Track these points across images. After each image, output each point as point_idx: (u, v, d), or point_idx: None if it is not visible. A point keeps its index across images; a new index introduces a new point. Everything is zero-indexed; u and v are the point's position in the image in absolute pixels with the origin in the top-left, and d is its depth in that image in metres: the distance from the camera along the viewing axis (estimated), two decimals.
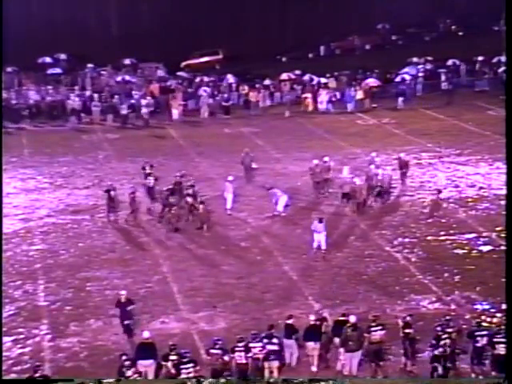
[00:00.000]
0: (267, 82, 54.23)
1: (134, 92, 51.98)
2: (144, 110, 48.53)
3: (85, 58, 58.78)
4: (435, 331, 20.38)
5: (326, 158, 34.63)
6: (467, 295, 24.76)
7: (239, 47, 62.80)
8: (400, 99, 50.57)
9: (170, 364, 19.68)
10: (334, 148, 40.86)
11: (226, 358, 19.88)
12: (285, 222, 31.29)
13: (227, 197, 32.18)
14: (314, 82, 53.84)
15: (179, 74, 59.09)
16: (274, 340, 20.44)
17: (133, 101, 50.04)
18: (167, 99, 50.87)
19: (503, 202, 31.45)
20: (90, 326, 23.61)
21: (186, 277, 26.62)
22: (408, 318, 21.04)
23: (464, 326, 21.60)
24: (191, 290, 25.62)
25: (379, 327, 20.63)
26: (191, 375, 19.16)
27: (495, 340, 19.95)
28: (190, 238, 30.04)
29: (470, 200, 33.24)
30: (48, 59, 62.11)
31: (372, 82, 53.54)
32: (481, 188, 34.66)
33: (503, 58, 52.52)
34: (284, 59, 66.08)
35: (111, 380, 19.24)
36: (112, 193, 31.81)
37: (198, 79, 56.18)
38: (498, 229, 29.45)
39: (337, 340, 20.93)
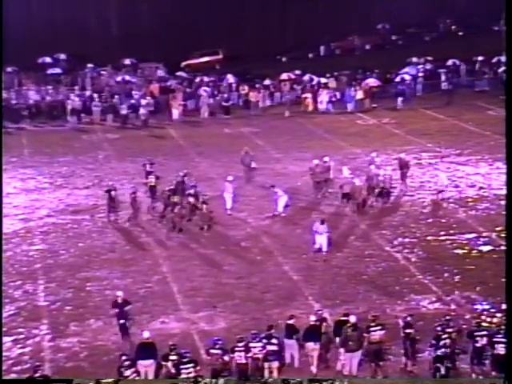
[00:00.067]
0: (267, 82, 54.24)
1: (133, 92, 52.00)
2: (142, 111, 48.55)
3: (85, 58, 58.78)
4: (435, 331, 20.38)
5: (326, 158, 34.62)
6: (467, 295, 24.76)
7: (239, 47, 62.81)
8: (399, 99, 50.57)
9: (170, 364, 19.67)
10: (334, 148, 40.85)
11: (226, 357, 19.88)
12: (285, 222, 31.28)
13: (227, 197, 32.18)
14: (314, 82, 53.85)
15: (179, 74, 59.07)
16: (273, 340, 20.42)
17: (133, 101, 50.06)
18: (167, 99, 50.88)
19: (503, 202, 31.44)
20: (90, 325, 23.62)
21: (186, 277, 26.62)
22: (408, 319, 21.03)
23: (464, 326, 21.60)
24: (191, 290, 25.62)
25: (379, 327, 20.63)
26: (191, 375, 19.16)
27: (495, 340, 19.95)
28: (190, 238, 30.05)
29: (470, 200, 33.24)
30: (48, 59, 62.12)
31: (372, 81, 53.55)
32: (481, 188, 34.66)
33: (503, 58, 52.50)
34: (284, 59, 66.09)
35: (110, 380, 19.23)
36: (113, 193, 31.82)
37: (197, 79, 56.18)
38: (497, 229, 29.45)
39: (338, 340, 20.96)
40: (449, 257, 27.70)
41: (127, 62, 61.07)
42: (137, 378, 19.51)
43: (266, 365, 20.33)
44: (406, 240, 29.16)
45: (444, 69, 55.44)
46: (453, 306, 24.07)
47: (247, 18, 68.68)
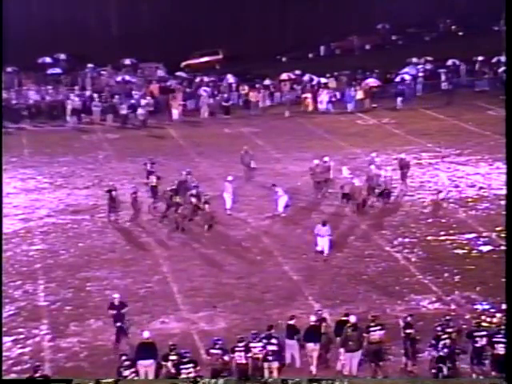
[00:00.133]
0: (267, 82, 54.22)
1: (134, 92, 51.99)
2: (140, 111, 48.54)
3: (85, 57, 58.76)
4: (435, 331, 20.39)
5: (326, 158, 34.62)
6: (467, 295, 24.77)
7: (239, 47, 62.80)
8: (399, 99, 50.57)
9: (170, 364, 19.68)
10: (334, 148, 40.85)
11: (226, 357, 19.88)
12: (285, 222, 31.28)
13: (226, 197, 32.18)
14: (314, 82, 53.83)
15: (179, 74, 59.07)
16: (273, 340, 20.41)
17: (133, 101, 50.03)
18: (167, 99, 50.86)
19: (503, 202, 31.45)
20: (90, 325, 23.62)
21: (186, 277, 26.63)
22: (409, 319, 21.03)
23: (464, 326, 21.62)
24: (191, 290, 25.63)
25: (378, 327, 20.64)
26: (191, 375, 19.16)
27: (495, 340, 19.96)
28: (191, 238, 30.04)
29: (470, 200, 33.24)
30: (48, 59, 62.08)
31: (372, 81, 53.54)
32: (481, 188, 34.66)
33: (503, 58, 52.50)
34: (284, 59, 66.08)
35: (110, 380, 19.24)
36: (113, 193, 31.83)
37: (197, 79, 56.16)
38: (497, 229, 29.46)
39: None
40: (449, 257, 27.70)
41: (127, 61, 61.05)
42: (136, 378, 19.52)
43: (266, 365, 20.33)
44: (406, 240, 29.16)
45: (444, 69, 55.44)
46: (453, 306, 24.08)
47: (247, 18, 68.67)
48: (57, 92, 52.94)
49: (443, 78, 54.20)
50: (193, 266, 27.52)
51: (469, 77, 55.97)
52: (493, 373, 19.96)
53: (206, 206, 30.63)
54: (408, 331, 20.76)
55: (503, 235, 28.56)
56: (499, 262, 25.95)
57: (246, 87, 52.75)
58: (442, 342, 19.98)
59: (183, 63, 63.45)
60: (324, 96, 51.13)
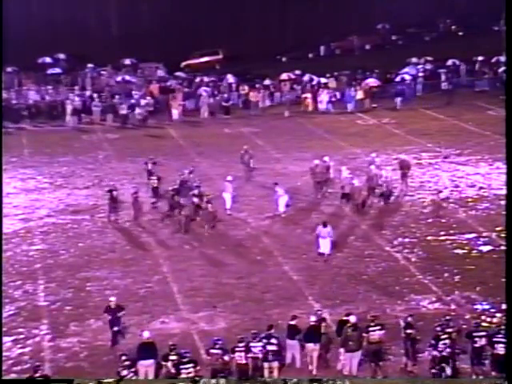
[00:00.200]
0: (267, 82, 54.22)
1: (134, 92, 51.98)
2: (138, 111, 48.54)
3: (85, 58, 58.76)
4: (435, 331, 20.39)
5: (326, 158, 34.62)
6: (467, 295, 24.76)
7: (239, 47, 62.80)
8: (399, 99, 50.56)
9: (170, 364, 19.69)
10: (334, 148, 40.85)
11: (226, 357, 19.89)
12: (285, 222, 31.28)
13: (226, 197, 32.17)
14: (314, 82, 53.82)
15: (179, 74, 59.09)
16: (273, 340, 20.42)
17: (133, 101, 50.03)
18: (167, 99, 50.87)
19: (503, 202, 31.43)
20: (90, 325, 23.61)
21: (186, 277, 26.63)
22: (409, 319, 21.03)
23: (464, 326, 21.63)
24: (191, 290, 25.63)
25: (378, 327, 20.64)
26: (191, 375, 19.16)
27: (495, 340, 19.96)
28: (191, 238, 30.03)
29: (470, 200, 33.24)
30: (48, 59, 62.06)
31: (372, 81, 53.53)
32: (481, 188, 34.66)
33: (503, 58, 52.48)
34: (284, 59, 66.08)
35: (110, 380, 19.24)
36: (114, 193, 31.84)
37: (197, 79, 56.16)
38: (498, 229, 29.45)
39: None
40: (449, 257, 27.70)
41: (127, 61, 61.04)
42: (135, 378, 19.51)
43: (266, 365, 20.35)
44: (406, 240, 29.16)
45: (444, 69, 55.44)
46: (453, 306, 24.07)
47: (247, 18, 68.67)
48: (57, 92, 52.95)
49: (443, 78, 54.20)
50: (193, 265, 27.52)
51: (469, 77, 55.96)
52: (493, 373, 19.96)
53: (209, 205, 30.62)
54: (408, 331, 20.75)
55: (503, 235, 28.55)
56: (499, 262, 25.93)
57: (246, 87, 52.74)
58: (441, 342, 19.98)
59: (183, 63, 63.45)
60: (324, 96, 51.13)
